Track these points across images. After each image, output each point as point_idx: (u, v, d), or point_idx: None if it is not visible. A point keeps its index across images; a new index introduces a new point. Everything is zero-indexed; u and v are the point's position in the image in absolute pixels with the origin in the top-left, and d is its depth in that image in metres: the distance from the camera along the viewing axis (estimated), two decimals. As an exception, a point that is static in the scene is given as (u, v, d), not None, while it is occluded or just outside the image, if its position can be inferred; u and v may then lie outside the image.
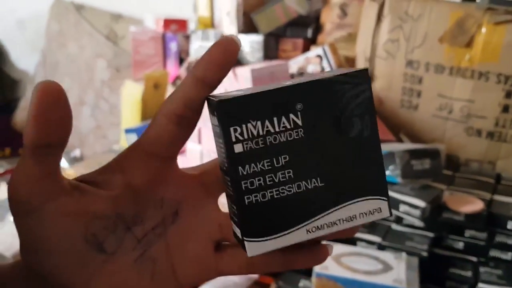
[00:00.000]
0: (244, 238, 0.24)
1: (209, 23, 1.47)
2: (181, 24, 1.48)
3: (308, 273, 0.91)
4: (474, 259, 0.93)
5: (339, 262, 0.87)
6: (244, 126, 0.23)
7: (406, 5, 1.13)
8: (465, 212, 0.90)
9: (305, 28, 1.37)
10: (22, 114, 2.26)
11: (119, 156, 0.26)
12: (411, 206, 0.89)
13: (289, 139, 0.24)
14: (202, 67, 0.23)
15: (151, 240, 0.27)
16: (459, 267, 0.91)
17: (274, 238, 0.24)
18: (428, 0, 1.13)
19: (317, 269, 0.85)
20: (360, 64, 1.25)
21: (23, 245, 0.25)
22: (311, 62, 1.28)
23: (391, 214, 0.26)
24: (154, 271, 0.27)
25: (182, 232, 0.27)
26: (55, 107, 0.21)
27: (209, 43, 1.40)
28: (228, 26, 1.37)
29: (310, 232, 0.25)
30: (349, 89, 0.24)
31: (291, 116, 0.24)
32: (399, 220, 0.97)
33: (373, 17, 1.18)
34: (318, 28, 1.39)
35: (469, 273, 0.90)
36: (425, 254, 0.89)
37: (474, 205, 0.91)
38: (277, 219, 0.24)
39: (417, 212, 0.88)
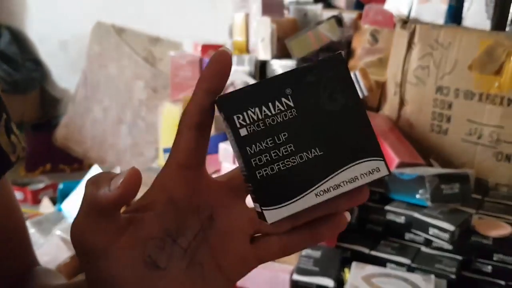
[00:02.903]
0: (263, 208, 0.28)
1: (244, 48, 1.53)
2: (217, 48, 1.55)
3: (339, 292, 0.94)
4: (502, 282, 0.94)
5: (369, 282, 0.90)
6: (245, 113, 0.28)
7: (436, 34, 1.17)
8: (494, 236, 0.92)
9: (337, 54, 1.42)
10: (63, 131, 2.37)
11: (158, 176, 0.31)
12: (440, 229, 0.92)
13: (285, 119, 0.29)
14: (205, 81, 0.29)
15: (195, 247, 0.31)
16: (488, 291, 0.93)
17: (288, 204, 0.28)
18: (458, 29, 1.17)
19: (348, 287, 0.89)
20: (391, 90, 1.29)
21: (92, 281, 0.29)
22: (342, 87, 1.32)
23: (389, 172, 0.29)
24: (204, 273, 0.31)
25: (220, 233, 0.31)
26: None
27: (243, 67, 1.46)
28: (263, 52, 1.43)
29: (319, 196, 0.29)
30: (328, 70, 0.29)
31: (283, 100, 0.29)
32: (428, 243, 0.99)
33: (403, 45, 1.22)
34: (349, 53, 1.44)
35: (498, 297, 0.91)
36: (453, 276, 0.91)
37: (503, 230, 0.93)
38: (288, 187, 0.28)
39: (446, 236, 0.91)
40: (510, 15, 1.17)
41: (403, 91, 1.24)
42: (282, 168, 0.29)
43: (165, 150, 1.31)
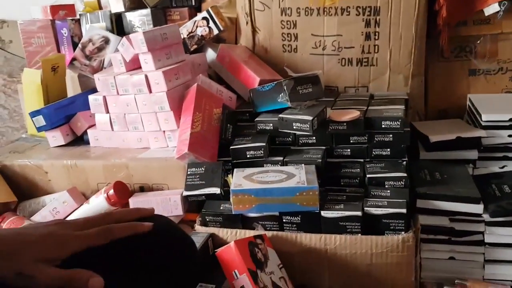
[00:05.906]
0: None
1: (97, 6, 1.53)
2: (69, 8, 1.52)
3: (227, 198, 1.02)
4: (361, 160, 1.10)
5: (250, 179, 1.00)
6: None
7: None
8: (346, 120, 1.06)
9: (189, -3, 1.48)
10: None
11: None
12: (301, 122, 1.04)
13: None
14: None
15: None
16: (350, 167, 1.08)
17: None
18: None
19: (232, 186, 0.97)
20: (243, 21, 1.38)
21: None
22: (199, 25, 1.39)
23: None
24: None
25: None
26: None
27: (100, 24, 1.46)
28: (115, 4, 1.45)
29: None
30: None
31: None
32: (296, 142, 1.12)
33: (246, -25, 1.32)
34: (201, -4, 1.51)
35: (358, 170, 1.06)
36: (319, 161, 1.04)
37: (352, 114, 1.08)
38: None
39: (307, 126, 1.03)
40: None
41: (253, 19, 1.35)
42: None
43: (32, 114, 1.28)
